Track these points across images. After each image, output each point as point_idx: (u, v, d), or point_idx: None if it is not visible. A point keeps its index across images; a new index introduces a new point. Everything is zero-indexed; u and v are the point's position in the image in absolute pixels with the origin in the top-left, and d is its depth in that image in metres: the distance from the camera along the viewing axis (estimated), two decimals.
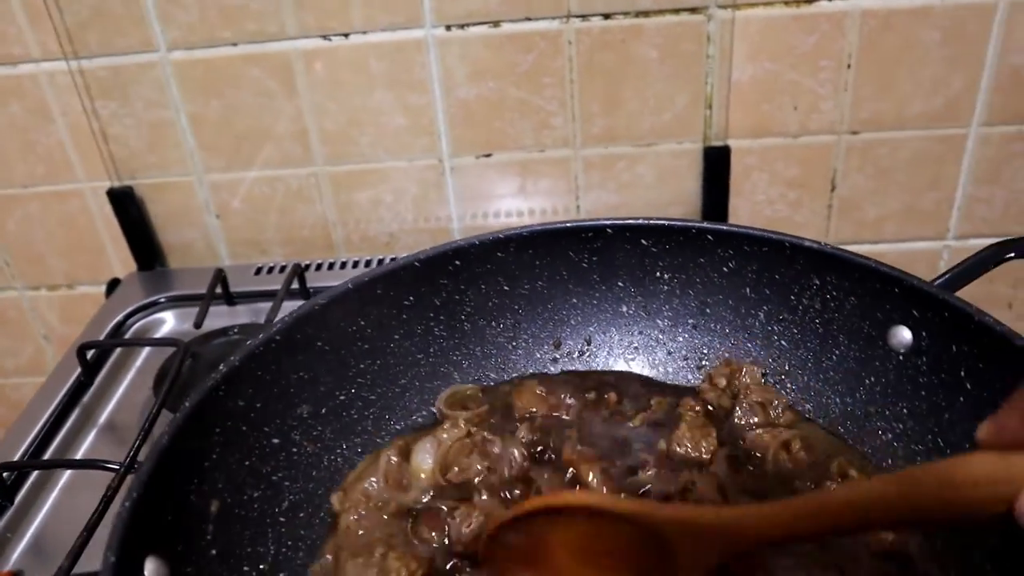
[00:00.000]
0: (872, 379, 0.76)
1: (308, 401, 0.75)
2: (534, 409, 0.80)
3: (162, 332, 1.19)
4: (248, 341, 0.72)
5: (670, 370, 0.86)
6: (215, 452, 0.67)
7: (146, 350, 1.14)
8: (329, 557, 0.70)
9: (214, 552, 0.64)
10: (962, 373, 0.70)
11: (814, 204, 1.25)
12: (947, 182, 1.23)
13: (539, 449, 0.76)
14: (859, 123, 1.18)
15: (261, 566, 0.67)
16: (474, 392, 0.83)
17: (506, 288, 0.85)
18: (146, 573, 0.57)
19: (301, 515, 0.73)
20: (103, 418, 1.06)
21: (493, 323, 0.85)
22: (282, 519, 0.71)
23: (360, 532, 0.70)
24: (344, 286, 0.78)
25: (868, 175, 1.22)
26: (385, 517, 0.71)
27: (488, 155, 1.22)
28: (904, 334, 0.74)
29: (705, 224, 0.82)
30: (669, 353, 0.86)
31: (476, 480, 0.73)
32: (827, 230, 1.27)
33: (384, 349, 0.81)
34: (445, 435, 0.75)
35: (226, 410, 0.69)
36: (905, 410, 0.74)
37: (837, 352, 0.79)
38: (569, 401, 0.81)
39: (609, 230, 0.83)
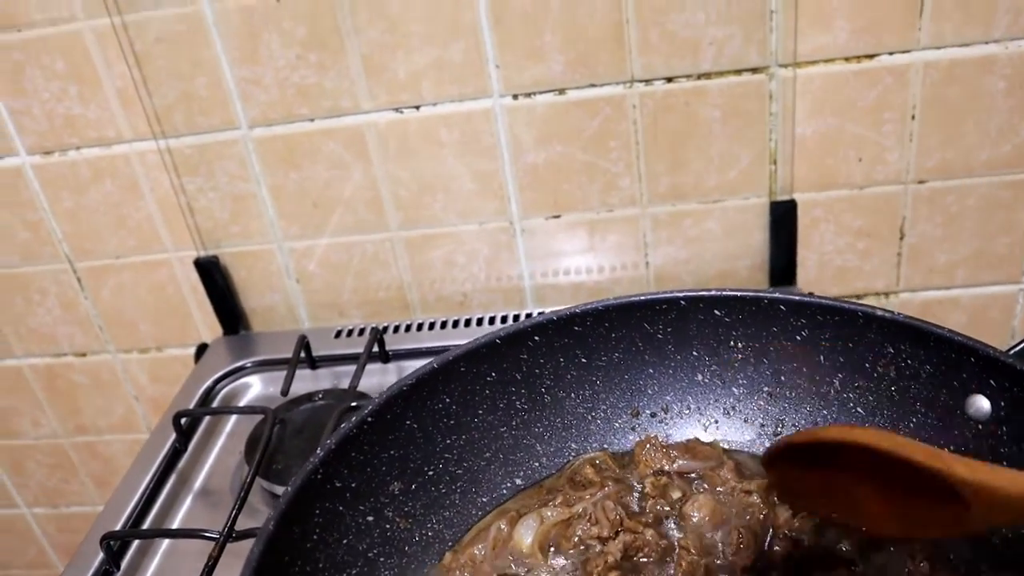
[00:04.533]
0: (951, 447, 0.77)
1: (399, 478, 0.79)
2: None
3: (249, 397, 1.25)
4: (342, 424, 0.76)
5: (746, 439, 0.87)
6: (315, 533, 0.71)
7: (235, 415, 1.19)
8: None
9: None
10: None
11: (883, 253, 1.25)
12: (1018, 226, 1.22)
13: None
14: (925, 172, 1.18)
15: None
16: (603, 458, 0.86)
17: (583, 360, 0.87)
18: None
19: None
20: (198, 484, 1.11)
21: (572, 395, 0.88)
22: None
23: None
24: (429, 365, 0.81)
25: (937, 223, 1.22)
26: None
27: (557, 216, 1.25)
28: (982, 403, 0.75)
29: (777, 295, 0.84)
30: (745, 421, 0.87)
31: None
32: (897, 278, 1.27)
33: (469, 424, 0.84)
34: (549, 512, 0.79)
35: (324, 492, 0.72)
36: None
37: (915, 420, 0.79)
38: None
39: (683, 302, 0.86)
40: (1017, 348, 0.78)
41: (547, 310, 0.87)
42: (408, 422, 0.80)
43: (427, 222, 1.27)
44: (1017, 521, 0.57)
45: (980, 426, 0.75)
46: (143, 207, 1.31)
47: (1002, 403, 0.73)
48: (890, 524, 0.62)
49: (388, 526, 0.78)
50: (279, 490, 1.05)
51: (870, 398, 0.82)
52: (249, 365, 1.27)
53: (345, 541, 0.74)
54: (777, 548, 0.75)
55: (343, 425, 0.76)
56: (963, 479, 0.53)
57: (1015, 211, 1.21)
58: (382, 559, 0.76)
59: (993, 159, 1.17)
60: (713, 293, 0.85)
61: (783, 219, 1.22)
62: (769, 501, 0.79)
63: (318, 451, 0.73)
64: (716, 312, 0.86)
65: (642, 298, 0.86)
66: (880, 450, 0.56)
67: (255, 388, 1.25)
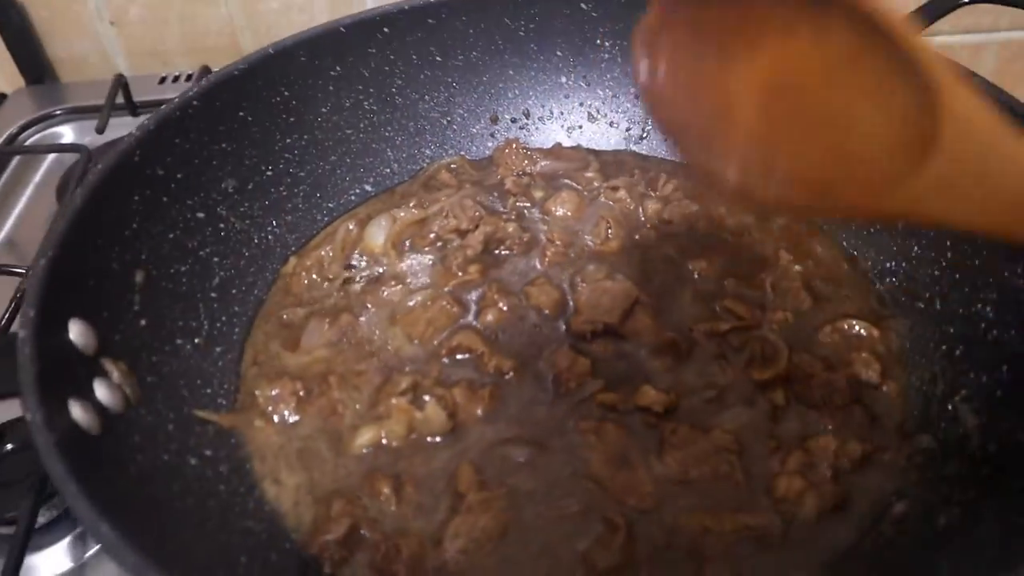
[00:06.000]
0: None
1: (233, 175, 0.70)
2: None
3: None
4: (164, 106, 0.66)
5: (611, 143, 0.82)
6: (135, 221, 0.62)
7: (47, 162, 1.05)
8: (291, 312, 0.68)
9: (143, 323, 0.60)
10: None
11: None
12: None
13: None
14: None
15: (196, 340, 0.63)
16: (460, 163, 0.80)
17: (438, 59, 0.79)
18: (71, 335, 0.53)
19: (233, 292, 0.68)
20: (3, 232, 0.99)
21: (426, 97, 0.80)
22: (213, 295, 0.67)
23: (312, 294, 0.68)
24: (264, 51, 0.71)
25: None
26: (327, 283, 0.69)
27: None
28: None
29: None
30: (611, 125, 0.82)
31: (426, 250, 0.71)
32: None
33: (311, 123, 0.75)
34: (402, 213, 0.72)
35: (144, 177, 0.63)
36: None
37: None
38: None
39: None
40: None
41: None
42: (241, 113, 0.70)
43: None
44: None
45: None
46: None
47: None
48: (801, 164, 0.45)
49: (222, 225, 0.69)
50: None
51: None
52: (59, 112, 1.12)
53: (172, 235, 0.65)
54: (648, 236, 0.72)
55: (164, 106, 0.66)
56: (943, 85, 0.39)
57: None
58: (216, 259, 0.68)
59: None
60: None
61: None
62: (636, 195, 0.75)
63: (134, 131, 0.63)
64: (583, 6, 0.79)
65: None
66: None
67: (68, 136, 1.11)
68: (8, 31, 1.15)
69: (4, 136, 1.09)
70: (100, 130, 1.00)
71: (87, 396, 0.51)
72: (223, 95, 0.69)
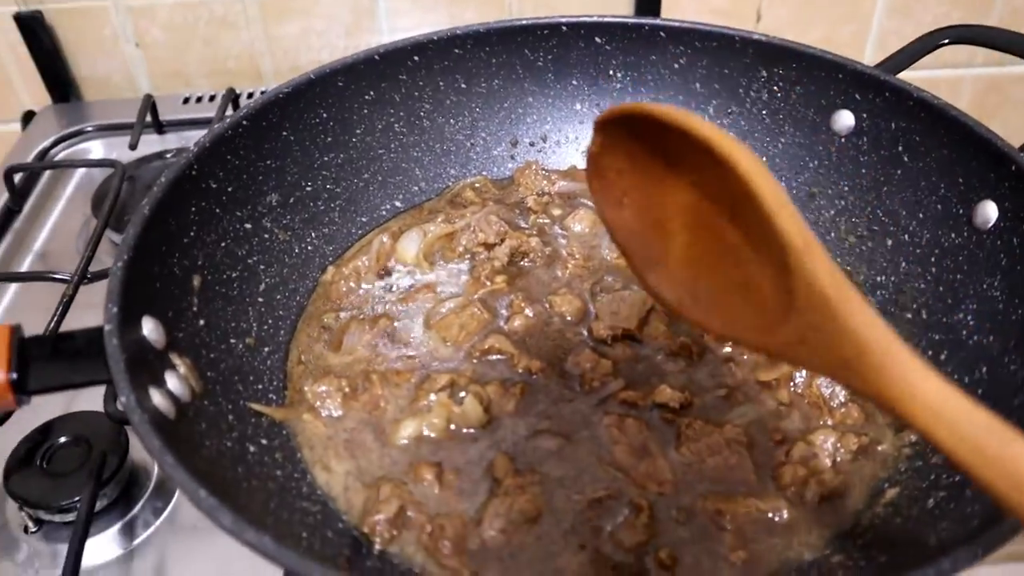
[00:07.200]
0: (816, 162, 0.81)
1: (276, 190, 0.75)
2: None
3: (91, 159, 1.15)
4: (215, 124, 0.71)
5: None
6: (192, 229, 0.67)
7: (77, 176, 1.10)
8: (332, 317, 0.73)
9: (201, 323, 0.65)
10: (900, 148, 0.75)
11: None
12: (862, 14, 1.28)
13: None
14: None
15: (247, 339, 0.68)
16: (483, 182, 0.86)
17: (463, 86, 0.85)
18: (144, 330, 0.58)
19: (278, 297, 0.73)
20: (37, 244, 1.03)
21: (451, 121, 0.86)
22: (260, 299, 0.72)
23: (350, 300, 0.73)
24: (306, 76, 0.77)
25: (791, 7, 1.26)
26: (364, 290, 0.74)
27: None
28: (846, 118, 0.79)
29: (658, 21, 0.84)
30: None
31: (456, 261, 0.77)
32: None
33: (346, 143, 0.81)
34: (432, 227, 0.78)
35: (199, 189, 0.68)
36: (846, 187, 0.79)
37: (783, 140, 0.83)
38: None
39: (564, 27, 0.85)
40: (881, 65, 0.82)
41: None
42: (284, 133, 0.76)
43: None
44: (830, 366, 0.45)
45: (843, 139, 0.79)
46: None
47: (865, 114, 0.78)
48: (714, 291, 0.51)
49: (267, 236, 0.74)
50: None
51: (742, 123, 0.85)
52: (90, 129, 1.17)
53: (224, 244, 0.70)
54: None
55: (216, 125, 0.71)
56: (793, 249, 0.43)
57: (859, 1, 1.26)
58: (262, 267, 0.73)
59: None
60: (595, 19, 0.85)
61: None
62: None
63: (191, 147, 0.69)
64: (597, 39, 0.85)
65: (524, 22, 0.84)
66: (711, 150, 0.45)
67: (97, 152, 1.16)
68: (38, 51, 1.20)
69: (36, 151, 1.14)
70: (133, 146, 1.06)
71: (162, 384, 0.56)
72: (269, 116, 0.74)
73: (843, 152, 0.80)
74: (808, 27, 1.28)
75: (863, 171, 0.78)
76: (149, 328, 0.58)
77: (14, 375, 0.52)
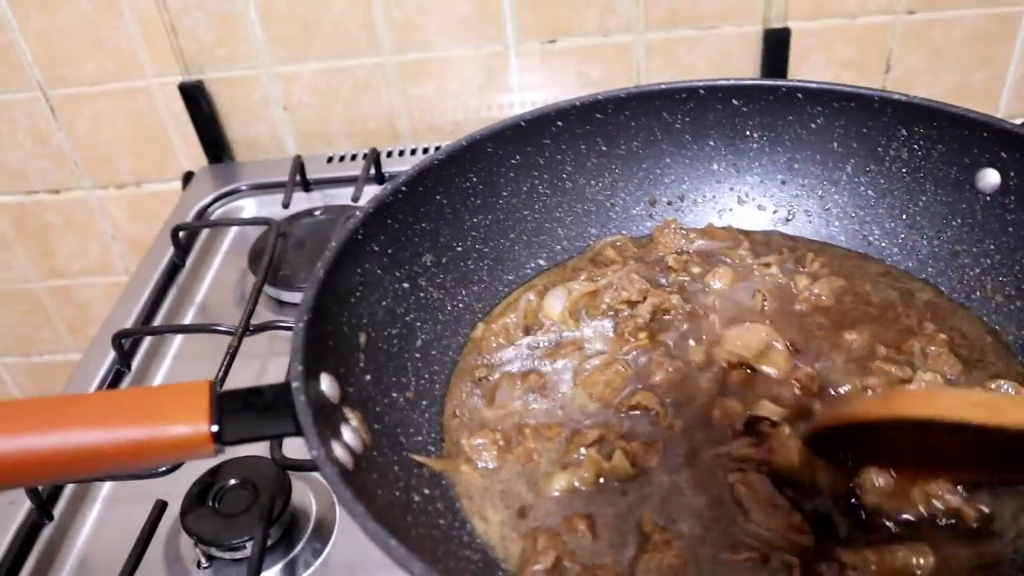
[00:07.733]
0: (959, 220, 0.81)
1: (431, 251, 0.80)
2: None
3: (245, 216, 1.23)
4: (376, 192, 0.77)
5: (759, 225, 0.90)
6: (358, 290, 0.72)
7: (232, 232, 1.18)
8: (483, 371, 0.77)
9: (368, 378, 0.69)
10: None
11: (869, 85, 1.28)
12: (997, 61, 1.26)
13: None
14: (916, 1, 1.21)
15: (407, 393, 0.73)
16: (623, 241, 0.89)
17: (603, 148, 0.89)
18: (322, 385, 0.62)
19: (433, 352, 0.78)
20: (200, 297, 1.11)
21: (592, 182, 0.89)
22: (417, 355, 0.76)
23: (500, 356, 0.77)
24: (458, 143, 0.82)
25: (922, 56, 1.26)
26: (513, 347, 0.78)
27: (553, 41, 1.25)
28: (992, 176, 0.79)
29: (795, 83, 0.86)
30: (759, 208, 0.90)
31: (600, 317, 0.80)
32: None
33: (494, 205, 0.85)
34: (576, 285, 0.81)
35: (364, 252, 0.73)
36: (992, 246, 0.79)
37: (923, 199, 0.83)
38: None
39: (702, 91, 0.87)
40: None
41: None
42: (438, 197, 0.81)
43: (420, 46, 1.26)
44: None
45: (989, 198, 0.79)
46: (122, 28, 1.27)
47: (1012, 172, 0.77)
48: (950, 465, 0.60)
49: (422, 294, 0.79)
50: (287, 296, 1.05)
51: (881, 181, 0.86)
52: (244, 188, 1.26)
53: (384, 303, 0.75)
54: (800, 307, 0.79)
55: (377, 192, 0.77)
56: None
57: (996, 45, 1.25)
58: (418, 324, 0.78)
59: None
60: (732, 82, 0.87)
61: (776, 48, 1.24)
62: (786, 271, 0.82)
63: (356, 213, 0.74)
64: (734, 101, 0.88)
65: (662, 87, 0.87)
66: (926, 419, 0.51)
67: (250, 210, 1.24)
68: (197, 116, 1.30)
69: (195, 209, 1.23)
70: (286, 205, 1.13)
71: (340, 437, 0.60)
72: (425, 181, 0.79)
73: (988, 210, 0.79)
74: (940, 76, 1.28)
75: (1010, 229, 0.78)
76: (326, 384, 0.63)
77: (215, 427, 0.57)
